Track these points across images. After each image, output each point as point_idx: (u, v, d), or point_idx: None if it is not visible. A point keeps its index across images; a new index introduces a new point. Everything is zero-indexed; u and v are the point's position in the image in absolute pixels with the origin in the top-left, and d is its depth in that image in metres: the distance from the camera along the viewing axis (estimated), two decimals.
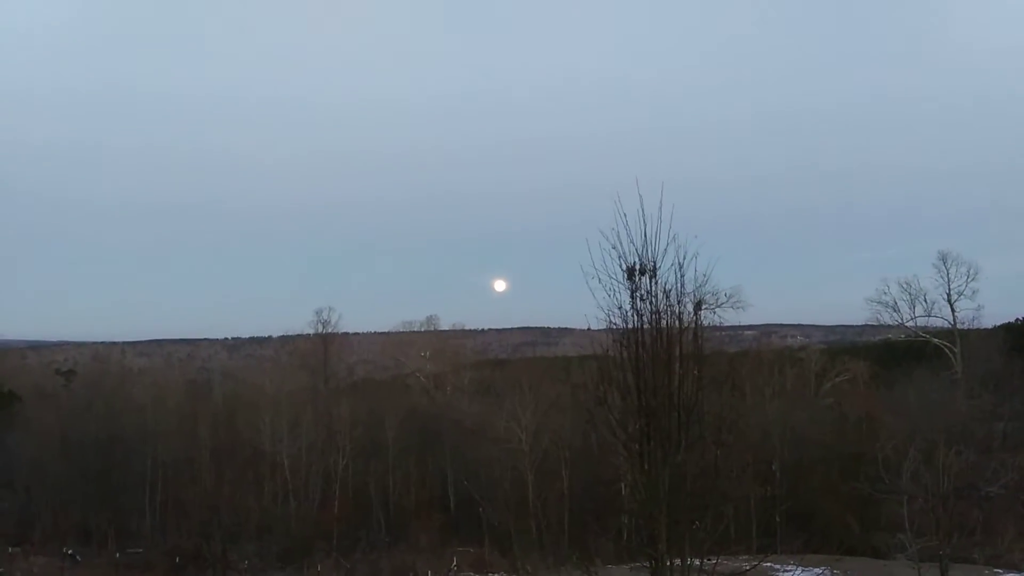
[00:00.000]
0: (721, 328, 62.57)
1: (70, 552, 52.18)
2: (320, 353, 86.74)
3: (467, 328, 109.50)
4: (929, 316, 68.93)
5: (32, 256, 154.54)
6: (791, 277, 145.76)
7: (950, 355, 66.16)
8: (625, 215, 12.58)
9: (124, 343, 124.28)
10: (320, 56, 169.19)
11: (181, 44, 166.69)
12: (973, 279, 66.58)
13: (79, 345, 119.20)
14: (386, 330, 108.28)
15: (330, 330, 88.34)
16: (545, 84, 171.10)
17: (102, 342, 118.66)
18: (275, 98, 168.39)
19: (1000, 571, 39.67)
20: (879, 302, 69.62)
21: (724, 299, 62.80)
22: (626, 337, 13.05)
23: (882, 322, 71.63)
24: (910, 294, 68.79)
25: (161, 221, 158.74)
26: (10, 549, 51.78)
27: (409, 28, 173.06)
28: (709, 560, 13.03)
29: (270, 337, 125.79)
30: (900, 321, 70.05)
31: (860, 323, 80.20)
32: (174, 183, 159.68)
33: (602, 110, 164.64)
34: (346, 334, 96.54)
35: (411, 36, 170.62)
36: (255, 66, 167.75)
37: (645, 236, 12.64)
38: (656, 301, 12.96)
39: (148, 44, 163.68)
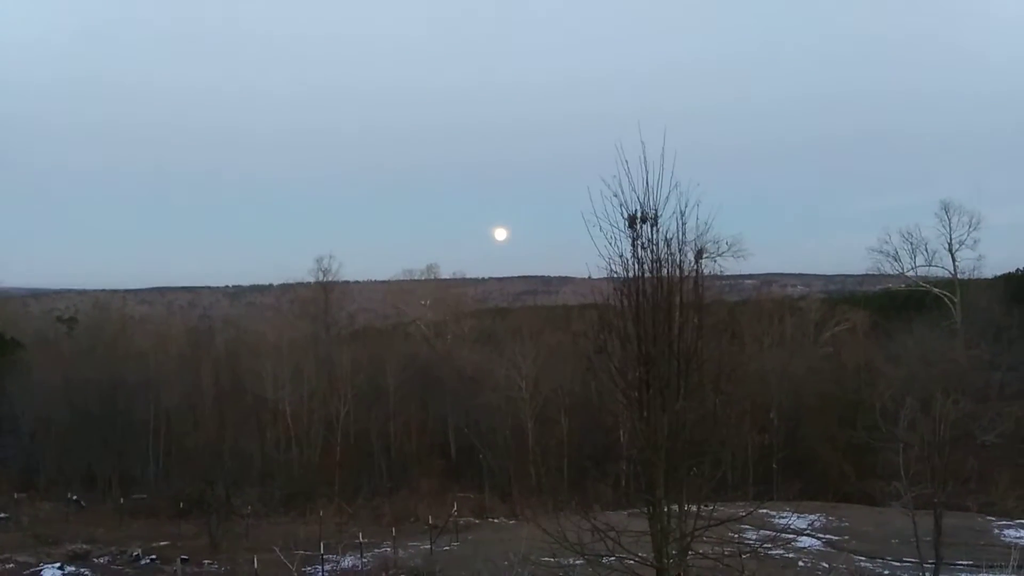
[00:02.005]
0: (722, 277, 62.54)
1: (75, 498, 52.76)
2: (321, 301, 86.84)
3: (468, 277, 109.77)
4: (930, 266, 69.04)
5: (33, 204, 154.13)
6: (792, 226, 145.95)
7: (950, 305, 66.27)
8: (627, 162, 12.46)
9: (125, 291, 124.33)
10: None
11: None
12: (975, 228, 66.56)
13: (80, 293, 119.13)
14: (387, 278, 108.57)
15: (331, 278, 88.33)
16: (544, 35, 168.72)
17: (103, 290, 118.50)
18: (274, 48, 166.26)
19: (993, 519, 40.16)
20: (880, 251, 69.68)
21: (725, 248, 62.88)
22: (627, 286, 13.01)
23: (883, 271, 71.74)
24: (911, 243, 68.81)
25: (161, 169, 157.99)
26: (16, 495, 52.37)
27: None
28: (706, 507, 13.16)
29: (271, 285, 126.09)
30: (901, 271, 70.14)
31: (861, 272, 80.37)
32: (175, 129, 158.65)
33: (604, 55, 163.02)
34: (347, 282, 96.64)
35: None
36: (255, 4, 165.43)
37: (647, 184, 12.54)
38: (657, 249, 12.90)
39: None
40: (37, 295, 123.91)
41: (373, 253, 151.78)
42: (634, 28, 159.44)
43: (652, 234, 12.87)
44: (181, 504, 49.41)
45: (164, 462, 58.71)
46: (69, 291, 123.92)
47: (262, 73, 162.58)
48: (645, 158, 12.38)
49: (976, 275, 67.64)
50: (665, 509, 12.77)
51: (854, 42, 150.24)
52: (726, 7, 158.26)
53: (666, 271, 12.98)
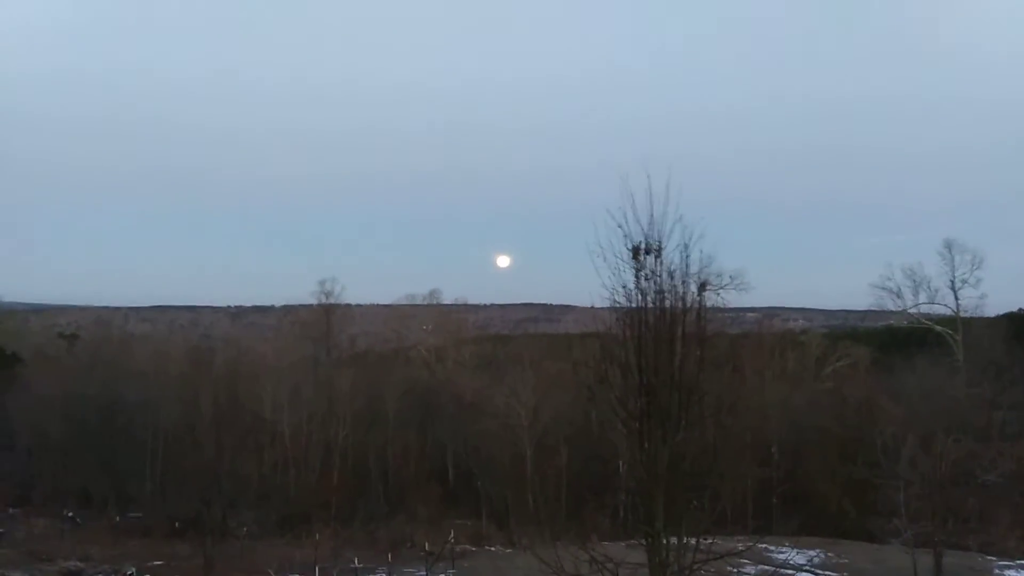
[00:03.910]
0: (724, 309, 62.55)
1: (70, 515, 52.50)
2: (322, 324, 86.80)
3: (469, 303, 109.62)
4: (932, 303, 68.86)
5: (36, 220, 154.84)
6: (795, 260, 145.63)
7: (952, 343, 66.12)
8: (632, 194, 12.60)
9: (127, 308, 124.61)
10: (330, 34, 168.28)
11: (191, 22, 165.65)
12: (978, 267, 66.40)
13: (82, 309, 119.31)
14: (389, 303, 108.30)
15: (333, 301, 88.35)
16: (554, 63, 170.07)
17: (105, 307, 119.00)
18: (281, 71, 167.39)
19: (993, 558, 39.87)
20: (883, 288, 69.52)
21: (727, 281, 62.69)
22: (629, 316, 13.09)
23: (885, 308, 71.58)
24: (914, 280, 68.70)
25: (166, 187, 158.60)
26: (11, 510, 52.18)
27: (419, 11, 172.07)
28: (705, 540, 13.12)
29: (273, 306, 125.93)
30: (903, 307, 69.98)
31: (863, 308, 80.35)
32: (180, 151, 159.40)
33: (610, 90, 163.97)
34: (348, 305, 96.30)
35: (420, 19, 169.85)
36: (262, 41, 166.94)
37: (651, 216, 12.67)
38: (660, 281, 12.99)
39: (158, 24, 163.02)
40: (38, 310, 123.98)
41: (376, 277, 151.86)
42: (639, 69, 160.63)
43: (655, 265, 12.97)
44: (177, 524, 49.19)
45: (161, 481, 58.36)
46: (71, 307, 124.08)
47: (270, 96, 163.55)
48: (650, 190, 12.51)
49: (978, 313, 67.50)
50: (664, 541, 12.74)
51: (858, 80, 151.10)
52: (728, 55, 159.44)
53: (669, 303, 13.06)
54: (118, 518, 51.52)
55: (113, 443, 57.02)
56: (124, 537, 49.08)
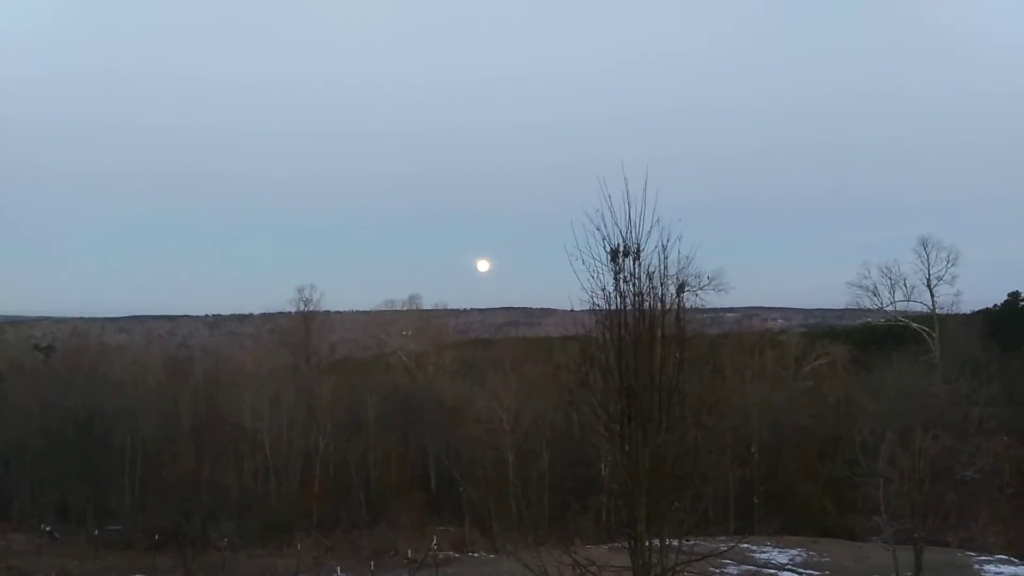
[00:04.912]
0: (703, 310, 62.58)
1: (48, 529, 51.92)
2: (301, 331, 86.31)
3: (449, 308, 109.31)
4: (909, 301, 69.39)
5: (10, 230, 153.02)
6: (773, 260, 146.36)
7: (928, 340, 66.63)
8: (610, 197, 12.62)
9: (104, 319, 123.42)
10: (307, 35, 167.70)
11: (165, 22, 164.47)
12: (953, 264, 66.99)
13: (58, 321, 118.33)
14: (368, 309, 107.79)
15: (312, 308, 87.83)
16: (529, 66, 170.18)
17: (81, 318, 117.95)
18: (259, 76, 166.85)
19: (973, 554, 40.18)
20: (859, 286, 69.99)
21: (706, 282, 62.74)
22: (609, 318, 13.10)
23: (862, 306, 72.06)
24: (890, 279, 69.19)
25: (142, 196, 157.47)
26: None
27: (398, 11, 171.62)
28: (687, 541, 13.14)
29: (251, 314, 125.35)
30: (880, 305, 70.45)
31: (840, 307, 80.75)
32: (155, 158, 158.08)
33: (587, 92, 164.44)
34: (328, 312, 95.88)
35: (399, 19, 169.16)
36: (240, 44, 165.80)
37: (629, 218, 12.69)
38: (639, 283, 13.01)
39: (134, 24, 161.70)
40: (14, 322, 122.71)
41: (355, 283, 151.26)
42: (615, 70, 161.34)
43: (634, 268, 12.99)
44: (157, 536, 48.74)
45: (140, 493, 57.85)
46: (47, 319, 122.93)
47: (247, 99, 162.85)
48: (628, 193, 12.55)
49: (954, 310, 68.12)
50: (646, 543, 12.74)
51: (835, 80, 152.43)
52: (703, 55, 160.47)
53: (648, 304, 13.08)
54: (97, 531, 50.93)
55: (91, 455, 56.44)
56: (103, 550, 48.60)
